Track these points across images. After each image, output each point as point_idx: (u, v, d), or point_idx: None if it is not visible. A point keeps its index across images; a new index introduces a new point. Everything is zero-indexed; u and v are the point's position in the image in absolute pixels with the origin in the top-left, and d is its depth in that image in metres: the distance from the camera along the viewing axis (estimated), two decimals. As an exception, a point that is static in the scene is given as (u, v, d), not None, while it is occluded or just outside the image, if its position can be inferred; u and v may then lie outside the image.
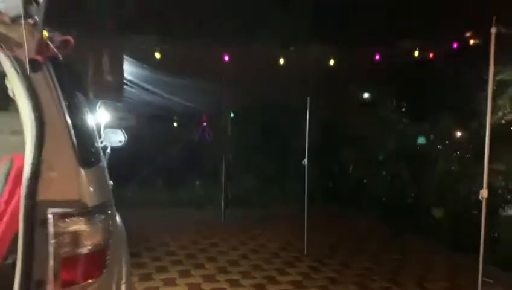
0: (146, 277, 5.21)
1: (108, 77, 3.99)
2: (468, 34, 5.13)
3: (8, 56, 1.72)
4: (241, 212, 8.89)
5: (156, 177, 8.98)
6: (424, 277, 5.65)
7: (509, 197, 6.66)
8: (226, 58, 5.70)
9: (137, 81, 5.65)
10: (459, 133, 7.40)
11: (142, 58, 5.21)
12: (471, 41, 4.97)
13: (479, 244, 4.22)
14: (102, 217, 1.66)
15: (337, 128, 9.17)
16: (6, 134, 2.84)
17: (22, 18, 1.69)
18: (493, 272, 5.61)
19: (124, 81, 4.97)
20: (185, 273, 5.43)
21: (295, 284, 5.25)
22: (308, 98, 6.27)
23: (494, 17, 3.71)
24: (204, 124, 9.00)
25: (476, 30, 4.10)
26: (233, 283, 5.20)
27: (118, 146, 3.10)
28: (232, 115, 8.72)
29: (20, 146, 2.65)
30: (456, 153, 7.65)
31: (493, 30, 3.72)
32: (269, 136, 9.08)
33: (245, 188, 9.21)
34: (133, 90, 5.86)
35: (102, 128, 2.93)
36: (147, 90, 6.16)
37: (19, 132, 2.81)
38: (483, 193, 3.83)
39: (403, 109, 8.68)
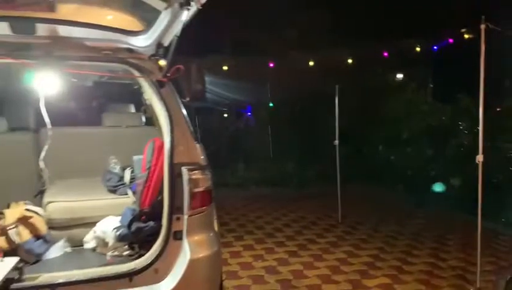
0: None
1: (196, 86, 5.27)
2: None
3: (147, 79, 2.88)
4: (281, 190, 9.99)
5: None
6: (442, 235, 6.57)
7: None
8: (271, 64, 7.12)
9: (210, 86, 7.31)
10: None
11: (216, 71, 6.74)
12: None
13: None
14: (208, 171, 2.80)
15: (366, 111, 10.05)
16: (123, 128, 4.07)
17: (155, 56, 2.85)
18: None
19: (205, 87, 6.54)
20: (239, 238, 6.57)
21: (331, 244, 6.30)
22: (337, 86, 7.23)
23: (483, 16, 4.52)
24: (249, 113, 10.23)
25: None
26: (279, 244, 6.31)
27: None
28: (271, 105, 9.92)
29: (132, 135, 3.91)
30: (477, 129, 8.40)
31: (482, 26, 4.53)
32: (304, 121, 10.11)
33: (285, 168, 10.33)
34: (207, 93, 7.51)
35: None
36: (215, 92, 7.76)
37: (131, 126, 4.07)
38: (479, 158, 4.67)
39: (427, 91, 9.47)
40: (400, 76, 10.66)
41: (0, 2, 2.60)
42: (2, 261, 2.42)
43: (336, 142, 7.40)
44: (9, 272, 2.29)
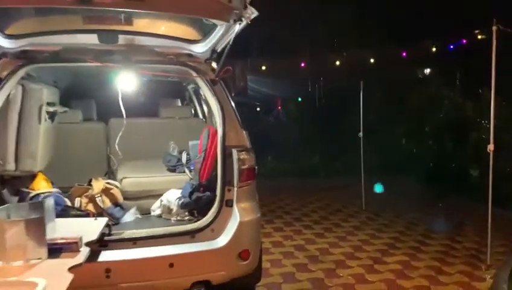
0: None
1: (240, 83, 6.15)
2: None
3: (202, 79, 3.56)
4: (309, 180, 10.58)
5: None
6: (461, 222, 7.02)
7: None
8: (302, 64, 7.96)
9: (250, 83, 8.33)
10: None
11: (255, 70, 7.67)
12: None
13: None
14: (253, 152, 3.46)
15: (391, 106, 10.52)
16: (176, 119, 4.80)
17: (209, 60, 3.53)
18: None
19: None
20: (269, 222, 7.22)
21: (355, 227, 6.86)
22: (362, 82, 7.73)
23: (495, 19, 4.97)
24: (279, 107, 10.92)
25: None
26: (306, 227, 6.92)
27: None
28: (299, 99, 10.61)
29: (183, 125, 4.61)
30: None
31: (494, 28, 4.97)
32: (332, 115, 10.69)
33: (312, 160, 10.95)
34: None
35: None
36: (253, 88, 8.73)
37: (183, 118, 4.78)
38: (490, 147, 5.12)
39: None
40: (425, 71, 11.11)
41: (91, 18, 3.33)
42: (96, 219, 3.15)
43: (360, 134, 7.88)
44: (103, 228, 3.01)
